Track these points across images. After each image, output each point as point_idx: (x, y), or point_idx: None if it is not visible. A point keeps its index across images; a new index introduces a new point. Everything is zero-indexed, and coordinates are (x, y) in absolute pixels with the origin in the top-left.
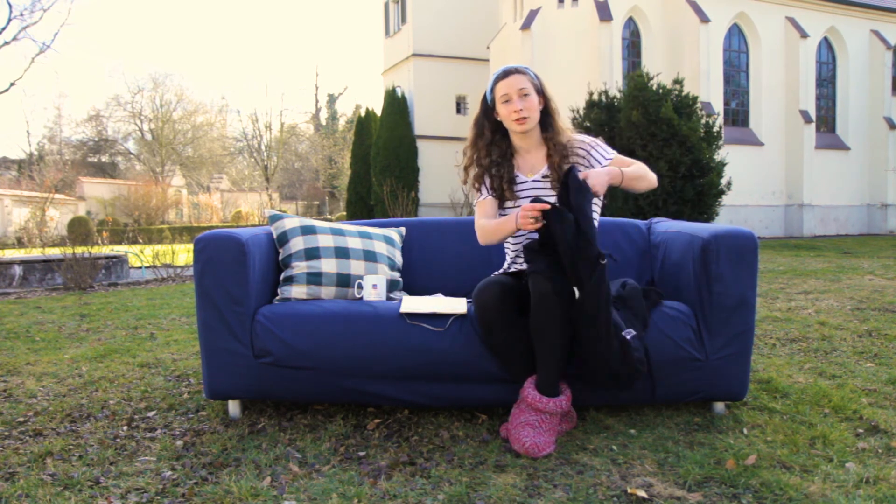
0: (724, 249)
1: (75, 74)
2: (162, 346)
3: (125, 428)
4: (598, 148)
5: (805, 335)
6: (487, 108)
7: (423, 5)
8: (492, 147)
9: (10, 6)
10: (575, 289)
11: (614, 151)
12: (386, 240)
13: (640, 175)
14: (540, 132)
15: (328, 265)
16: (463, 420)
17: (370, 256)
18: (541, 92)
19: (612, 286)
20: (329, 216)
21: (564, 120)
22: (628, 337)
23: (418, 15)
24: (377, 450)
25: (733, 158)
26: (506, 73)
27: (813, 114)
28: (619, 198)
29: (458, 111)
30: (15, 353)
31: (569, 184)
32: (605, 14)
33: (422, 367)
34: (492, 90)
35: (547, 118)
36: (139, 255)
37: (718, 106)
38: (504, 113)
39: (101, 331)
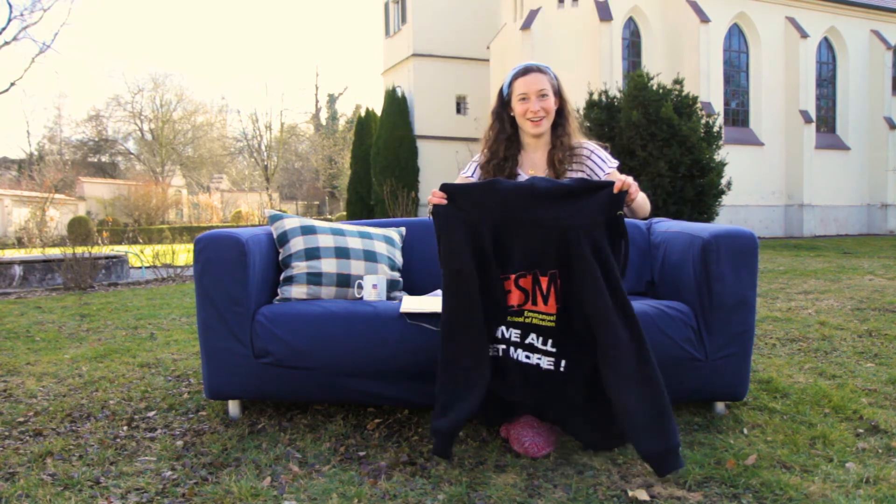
0: (725, 249)
1: (75, 74)
2: (162, 346)
3: (125, 428)
4: (599, 152)
5: (805, 335)
6: (503, 102)
7: (423, 5)
8: (508, 140)
9: (10, 6)
10: None
11: (615, 162)
12: (386, 240)
13: (644, 202)
14: (551, 132)
15: (328, 265)
16: None
17: (370, 256)
18: (558, 93)
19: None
20: (329, 216)
21: (576, 123)
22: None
23: (418, 15)
24: (377, 450)
25: (733, 158)
26: (526, 71)
27: (813, 114)
28: None
29: (458, 111)
30: (15, 353)
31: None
32: (605, 14)
33: (422, 367)
34: (509, 85)
35: (560, 119)
36: (139, 255)
37: (718, 106)
38: (519, 110)
39: (101, 331)
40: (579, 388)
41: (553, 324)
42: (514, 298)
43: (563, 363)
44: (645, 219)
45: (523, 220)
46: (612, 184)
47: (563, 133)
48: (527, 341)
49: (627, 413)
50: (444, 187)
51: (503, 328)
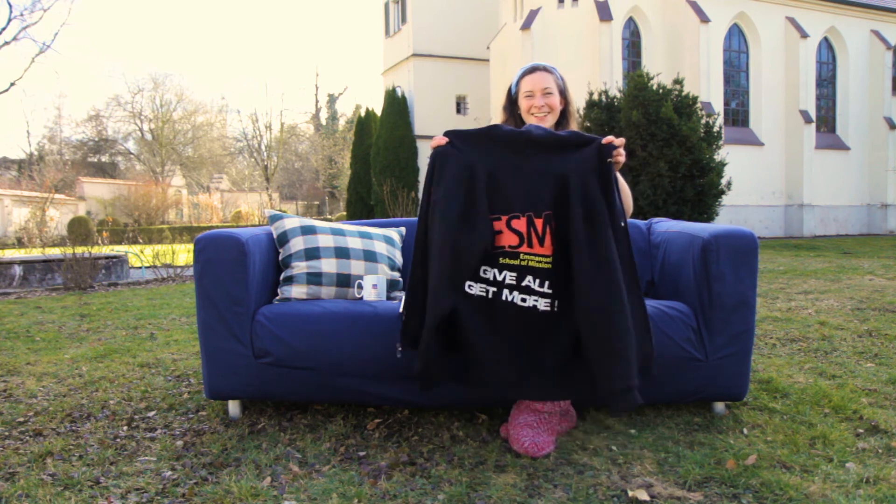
0: (725, 249)
1: (75, 74)
2: (162, 346)
3: (125, 428)
4: None
5: (805, 335)
6: (512, 100)
7: (423, 5)
8: None
9: (10, 6)
10: None
11: None
12: (386, 240)
13: (627, 196)
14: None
15: (328, 265)
16: (463, 420)
17: (370, 256)
18: (563, 93)
19: None
20: (329, 216)
21: (577, 124)
22: None
23: (418, 15)
24: (377, 450)
25: (733, 158)
26: (533, 69)
27: (813, 114)
28: None
29: (458, 111)
30: (15, 353)
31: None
32: (605, 14)
33: None
34: (517, 83)
35: (563, 119)
36: (139, 255)
37: (718, 106)
38: (525, 106)
39: (101, 331)
40: (571, 328)
41: (549, 265)
42: (507, 239)
43: (556, 303)
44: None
45: (517, 165)
46: (601, 138)
47: None
48: (523, 283)
49: (587, 351)
50: (447, 133)
51: (495, 270)
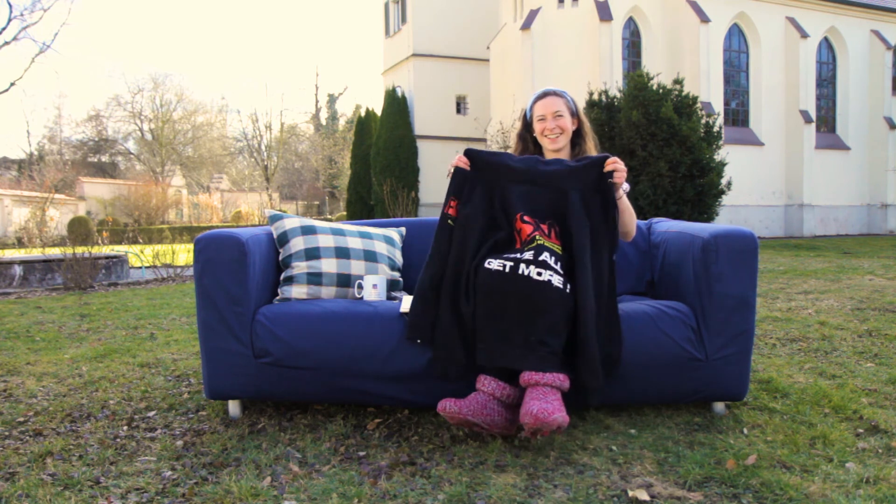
0: (725, 249)
1: (75, 74)
2: (162, 346)
3: (125, 428)
4: None
5: (805, 335)
6: (527, 124)
7: (423, 5)
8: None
9: (10, 6)
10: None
11: (627, 186)
12: (386, 240)
13: (631, 214)
14: (570, 150)
15: (328, 265)
16: None
17: (370, 256)
18: (575, 114)
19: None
20: (329, 216)
21: (594, 142)
22: None
23: (418, 15)
24: (377, 450)
25: (733, 158)
26: (544, 95)
27: (813, 114)
28: None
29: (458, 111)
30: (15, 353)
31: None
32: (605, 14)
33: (422, 367)
34: (530, 108)
35: (578, 139)
36: (139, 255)
37: (718, 106)
38: (538, 129)
39: (101, 331)
40: (577, 315)
41: (561, 251)
42: (525, 231)
43: (569, 287)
44: (626, 238)
45: (525, 180)
46: (605, 157)
47: (580, 152)
48: (540, 258)
49: (579, 347)
50: (468, 152)
51: (517, 254)
